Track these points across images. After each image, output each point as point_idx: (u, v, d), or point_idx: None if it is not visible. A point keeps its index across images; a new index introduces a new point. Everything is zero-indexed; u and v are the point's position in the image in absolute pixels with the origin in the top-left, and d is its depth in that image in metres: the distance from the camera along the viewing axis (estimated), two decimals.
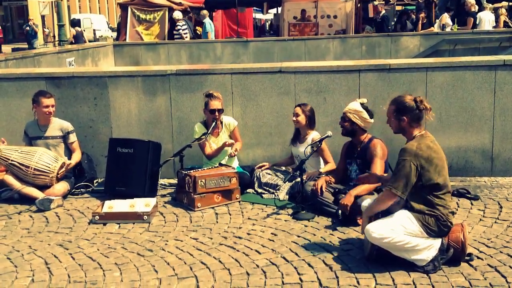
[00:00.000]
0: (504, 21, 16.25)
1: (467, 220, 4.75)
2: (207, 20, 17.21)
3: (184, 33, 16.32)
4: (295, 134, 5.75)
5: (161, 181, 5.98)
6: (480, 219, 4.79)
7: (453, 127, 6.04)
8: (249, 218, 4.99)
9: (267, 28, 34.09)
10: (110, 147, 5.87)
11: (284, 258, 4.10)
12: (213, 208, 5.27)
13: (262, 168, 5.81)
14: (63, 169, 5.68)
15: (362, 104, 5.04)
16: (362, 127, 5.02)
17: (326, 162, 5.56)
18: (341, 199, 4.73)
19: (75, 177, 5.94)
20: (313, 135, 5.58)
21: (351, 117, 4.98)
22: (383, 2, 21.49)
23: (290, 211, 5.12)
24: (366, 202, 4.36)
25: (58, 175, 5.62)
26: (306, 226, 4.74)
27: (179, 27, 16.35)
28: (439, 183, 3.79)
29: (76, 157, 5.98)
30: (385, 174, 4.70)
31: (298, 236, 4.50)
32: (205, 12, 17.86)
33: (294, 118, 5.59)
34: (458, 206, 5.11)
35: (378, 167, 4.82)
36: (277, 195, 5.46)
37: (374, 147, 4.92)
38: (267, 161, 6.10)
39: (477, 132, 6.03)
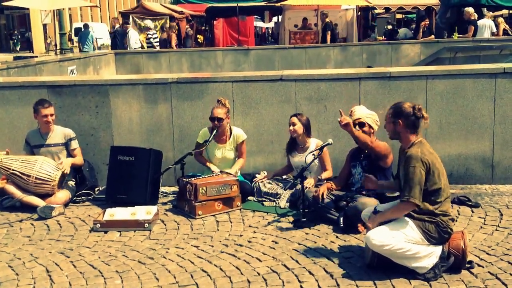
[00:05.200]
0: (504, 29, 16.27)
1: (468, 228, 4.75)
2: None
3: (155, 42, 16.44)
4: (291, 143, 5.72)
5: (162, 188, 5.99)
6: (481, 227, 4.79)
7: (454, 134, 6.05)
8: (250, 226, 5.00)
9: (267, 36, 34.22)
10: (112, 155, 5.89)
11: (285, 265, 4.10)
12: (214, 215, 5.27)
13: (262, 180, 5.80)
14: (68, 169, 5.75)
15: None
16: (374, 131, 5.06)
17: (324, 169, 5.58)
18: (344, 204, 4.79)
19: (76, 185, 5.96)
20: (316, 142, 5.59)
21: (369, 122, 5.03)
22: (384, 10, 21.56)
23: (291, 218, 5.12)
24: (367, 211, 4.37)
25: (65, 172, 5.69)
26: (307, 233, 4.74)
27: (149, 35, 16.49)
28: (439, 189, 3.80)
29: (78, 160, 5.99)
30: (383, 182, 4.68)
31: (299, 244, 4.51)
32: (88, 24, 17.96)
33: (291, 128, 5.57)
34: (459, 214, 5.11)
35: (380, 145, 4.85)
36: (278, 203, 5.46)
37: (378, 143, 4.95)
38: (268, 169, 6.11)
39: (478, 140, 6.04)
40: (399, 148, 4.09)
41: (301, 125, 5.55)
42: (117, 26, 16.92)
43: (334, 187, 5.19)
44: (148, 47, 16.32)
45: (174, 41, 17.03)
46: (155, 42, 16.41)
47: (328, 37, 16.47)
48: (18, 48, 39.52)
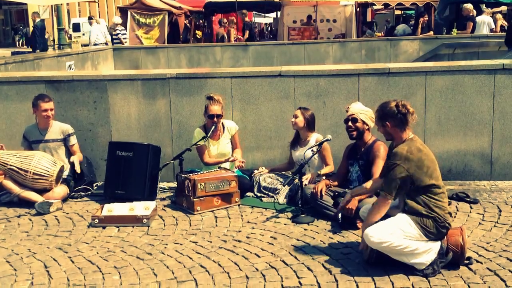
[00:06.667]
0: (501, 25, 16.27)
1: (467, 224, 4.75)
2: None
3: (123, 38, 16.51)
4: (295, 137, 5.76)
5: (160, 184, 5.97)
6: (480, 223, 4.79)
7: (452, 131, 6.04)
8: (248, 222, 4.99)
9: (265, 32, 34.16)
10: (110, 150, 5.88)
11: (283, 261, 4.10)
12: (212, 211, 5.27)
13: (262, 173, 5.80)
14: (77, 167, 5.82)
15: None
16: (369, 127, 5.06)
17: (326, 164, 5.57)
18: (342, 202, 4.73)
19: (74, 180, 5.94)
20: (317, 137, 5.59)
21: (363, 118, 5.03)
22: (383, 6, 21.53)
23: (290, 214, 5.12)
24: (365, 208, 4.37)
25: (76, 169, 5.77)
26: (305, 229, 4.74)
27: (118, 31, 16.48)
28: (432, 185, 3.80)
29: (80, 157, 5.99)
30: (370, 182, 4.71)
31: (298, 240, 4.50)
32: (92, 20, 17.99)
33: (293, 120, 5.60)
34: (458, 210, 5.11)
35: (379, 168, 4.84)
36: (277, 199, 5.46)
37: (378, 148, 4.95)
38: (266, 165, 6.11)
39: (476, 136, 6.04)
40: (389, 146, 4.09)
41: (303, 119, 5.56)
42: (38, 20, 16.45)
43: (332, 184, 5.18)
44: (115, 43, 16.32)
45: (233, 36, 17.09)
46: (124, 38, 16.44)
47: (246, 36, 17.17)
48: (21, 43, 40.02)
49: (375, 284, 3.68)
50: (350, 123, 5.06)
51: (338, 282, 3.73)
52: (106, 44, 16.72)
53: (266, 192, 5.60)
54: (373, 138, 5.08)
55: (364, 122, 5.03)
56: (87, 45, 17.88)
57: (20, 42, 40.80)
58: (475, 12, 15.40)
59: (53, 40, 29.34)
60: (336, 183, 5.23)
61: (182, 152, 5.71)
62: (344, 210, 4.65)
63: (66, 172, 5.84)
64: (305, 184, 5.22)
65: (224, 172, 5.52)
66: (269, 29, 35.05)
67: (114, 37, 16.54)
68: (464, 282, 3.69)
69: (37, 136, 5.90)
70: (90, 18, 17.99)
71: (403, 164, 3.74)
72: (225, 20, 17.87)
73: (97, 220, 4.96)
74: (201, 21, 23.99)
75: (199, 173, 5.55)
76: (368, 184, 4.46)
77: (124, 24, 17.94)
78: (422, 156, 3.80)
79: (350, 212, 4.62)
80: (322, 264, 4.01)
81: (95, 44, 16.20)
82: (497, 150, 6.05)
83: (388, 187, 3.79)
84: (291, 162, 5.85)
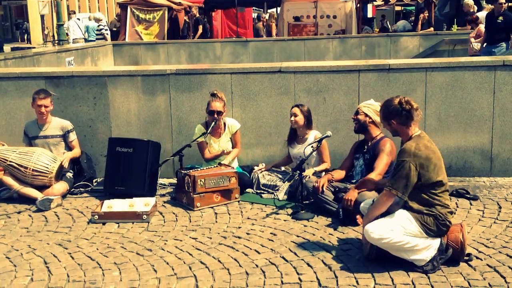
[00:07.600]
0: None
1: (466, 220, 4.75)
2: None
3: (107, 33, 16.59)
4: (291, 134, 5.72)
5: (160, 180, 5.97)
6: (479, 219, 4.79)
7: (453, 127, 6.04)
8: (248, 218, 4.99)
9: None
10: (110, 146, 5.87)
11: (283, 257, 4.10)
12: (212, 207, 5.27)
13: (262, 170, 5.79)
14: (65, 163, 5.73)
15: None
16: (376, 122, 5.06)
17: (322, 162, 5.57)
18: (343, 195, 4.75)
19: (74, 176, 5.94)
20: (315, 133, 5.58)
21: (365, 110, 5.09)
22: (383, 2, 21.48)
23: (290, 211, 5.12)
24: (365, 203, 4.37)
25: (64, 167, 5.70)
26: (305, 226, 4.74)
27: (101, 27, 16.49)
28: (438, 182, 3.80)
29: (76, 152, 5.98)
30: (378, 177, 4.76)
31: (298, 236, 4.50)
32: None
33: (293, 119, 5.58)
34: (457, 206, 5.11)
35: (383, 162, 4.86)
36: (277, 195, 5.45)
37: (384, 143, 4.98)
38: (266, 161, 6.10)
39: (477, 132, 6.03)
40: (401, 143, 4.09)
41: (303, 116, 5.55)
42: None
43: (334, 178, 5.17)
44: (99, 39, 16.36)
45: (274, 30, 17.04)
46: (107, 34, 16.49)
47: (199, 32, 17.35)
48: (21, 39, 40.13)
49: (375, 280, 3.68)
50: (353, 115, 5.18)
51: (338, 279, 3.73)
52: (86, 40, 16.74)
53: (266, 189, 5.60)
54: (382, 135, 5.09)
55: (366, 115, 5.06)
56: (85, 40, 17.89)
57: (20, 38, 40.87)
58: (475, 8, 15.36)
59: (53, 36, 29.30)
60: (343, 173, 5.21)
61: (182, 148, 5.71)
62: (344, 201, 4.65)
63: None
64: (308, 177, 5.20)
65: (224, 169, 5.52)
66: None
67: (97, 32, 16.57)
68: (464, 278, 3.69)
69: (37, 132, 5.89)
70: (69, 12, 18.11)
71: (412, 161, 3.72)
72: (263, 15, 17.80)
73: (97, 216, 4.96)
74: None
75: (199, 169, 5.55)
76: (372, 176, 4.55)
77: (123, 19, 17.92)
78: (429, 153, 3.79)
79: (349, 204, 4.62)
80: (322, 261, 4.01)
81: (73, 39, 16.33)
82: (497, 147, 6.05)
83: (396, 184, 3.75)
84: (289, 156, 5.84)
